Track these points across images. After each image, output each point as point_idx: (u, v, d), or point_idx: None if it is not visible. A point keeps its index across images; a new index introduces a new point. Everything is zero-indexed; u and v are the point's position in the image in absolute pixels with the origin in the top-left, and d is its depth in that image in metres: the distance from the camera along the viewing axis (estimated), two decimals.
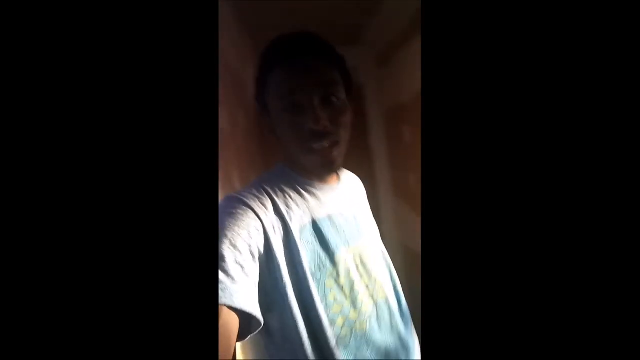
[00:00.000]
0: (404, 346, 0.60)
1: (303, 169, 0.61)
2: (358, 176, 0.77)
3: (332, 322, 0.52)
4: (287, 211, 0.55)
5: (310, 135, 0.54)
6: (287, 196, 0.58)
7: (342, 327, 0.52)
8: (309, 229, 0.57)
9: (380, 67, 1.94)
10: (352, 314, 0.54)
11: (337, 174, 0.67)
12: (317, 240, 0.56)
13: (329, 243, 0.57)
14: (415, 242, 1.67)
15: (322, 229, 0.58)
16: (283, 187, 0.59)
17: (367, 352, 0.54)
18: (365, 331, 0.55)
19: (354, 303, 0.55)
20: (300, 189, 0.60)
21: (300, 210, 0.57)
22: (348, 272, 0.57)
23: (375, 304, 0.59)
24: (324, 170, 0.60)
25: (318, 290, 0.52)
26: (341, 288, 0.55)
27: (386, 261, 0.68)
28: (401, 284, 0.67)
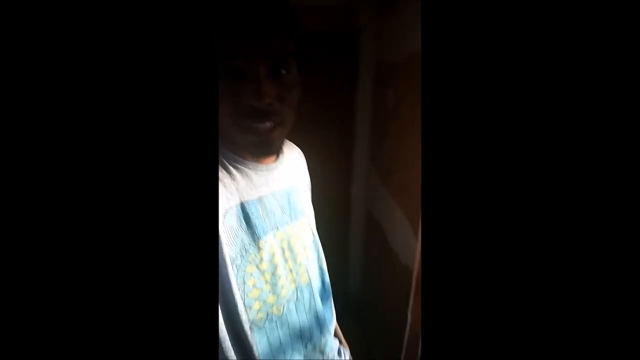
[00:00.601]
0: (319, 323, 0.60)
1: (236, 146, 0.53)
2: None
3: (249, 307, 0.51)
4: None
5: (250, 112, 0.46)
6: None
7: (258, 311, 0.52)
8: (235, 212, 0.51)
9: (380, 17, 1.79)
10: (270, 299, 0.53)
11: (276, 152, 0.59)
12: (242, 226, 0.52)
13: (255, 228, 0.52)
14: (378, 210, 1.68)
15: (250, 213, 0.53)
16: None
17: (281, 333, 0.54)
18: (282, 314, 0.54)
19: (273, 288, 0.54)
20: (231, 168, 0.53)
21: (227, 191, 0.51)
22: (272, 257, 0.54)
23: (297, 287, 0.57)
24: (260, 151, 0.53)
25: (237, 277, 0.49)
26: (262, 273, 0.53)
27: (315, 243, 0.65)
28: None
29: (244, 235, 0.51)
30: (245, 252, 0.51)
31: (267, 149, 0.53)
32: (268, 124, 0.48)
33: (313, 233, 0.65)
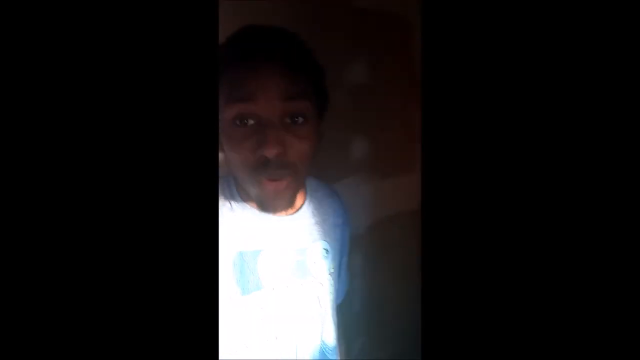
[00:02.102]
0: None
1: (246, 193, 0.48)
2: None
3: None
4: None
5: (259, 163, 0.42)
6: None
7: None
8: (228, 260, 0.47)
9: None
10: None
11: (285, 208, 0.50)
12: (234, 275, 0.47)
13: (247, 283, 0.47)
14: None
15: (246, 264, 0.47)
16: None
17: None
18: None
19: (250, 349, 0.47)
20: (237, 210, 0.48)
21: (228, 235, 0.47)
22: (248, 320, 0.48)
23: None
24: (265, 205, 0.47)
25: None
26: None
27: (320, 315, 0.55)
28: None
29: (235, 285, 0.47)
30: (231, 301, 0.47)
31: (274, 205, 0.47)
32: (276, 177, 0.43)
33: (319, 299, 0.54)
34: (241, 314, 0.47)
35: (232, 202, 0.49)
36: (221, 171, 0.44)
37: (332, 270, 0.56)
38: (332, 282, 0.56)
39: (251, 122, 0.42)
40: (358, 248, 0.73)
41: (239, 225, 0.48)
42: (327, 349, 0.56)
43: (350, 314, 0.76)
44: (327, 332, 0.56)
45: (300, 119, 0.43)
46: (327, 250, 0.55)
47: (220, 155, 0.44)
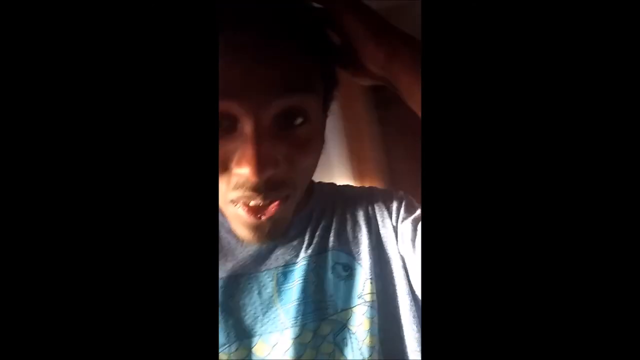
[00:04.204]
0: None
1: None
2: None
3: None
4: None
5: (242, 184, 0.30)
6: None
7: None
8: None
9: None
10: None
11: (276, 237, 0.36)
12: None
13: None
14: None
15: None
16: None
17: None
18: None
19: None
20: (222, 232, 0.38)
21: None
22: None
23: None
24: (251, 235, 0.33)
25: None
26: None
27: None
28: None
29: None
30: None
31: (260, 235, 0.33)
32: (267, 201, 0.31)
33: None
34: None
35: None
36: None
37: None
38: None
39: (226, 123, 0.29)
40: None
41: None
42: None
43: None
44: None
45: (300, 120, 0.31)
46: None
47: None
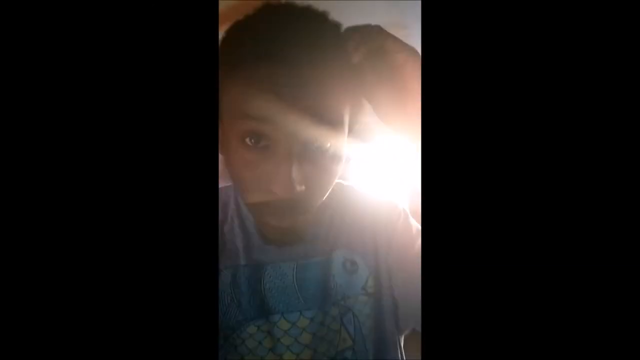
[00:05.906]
0: None
1: (254, 216, 0.43)
2: None
3: None
4: None
5: (270, 200, 0.34)
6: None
7: None
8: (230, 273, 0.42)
9: None
10: None
11: (297, 240, 0.44)
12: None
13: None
14: None
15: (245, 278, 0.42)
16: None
17: None
18: None
19: None
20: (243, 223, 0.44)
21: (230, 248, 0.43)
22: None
23: None
24: (275, 238, 0.42)
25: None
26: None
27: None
28: None
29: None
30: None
31: (284, 239, 0.42)
32: (289, 217, 0.36)
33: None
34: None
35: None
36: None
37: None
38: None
39: (264, 143, 0.32)
40: None
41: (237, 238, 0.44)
42: None
43: None
44: None
45: (327, 146, 0.32)
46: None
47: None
